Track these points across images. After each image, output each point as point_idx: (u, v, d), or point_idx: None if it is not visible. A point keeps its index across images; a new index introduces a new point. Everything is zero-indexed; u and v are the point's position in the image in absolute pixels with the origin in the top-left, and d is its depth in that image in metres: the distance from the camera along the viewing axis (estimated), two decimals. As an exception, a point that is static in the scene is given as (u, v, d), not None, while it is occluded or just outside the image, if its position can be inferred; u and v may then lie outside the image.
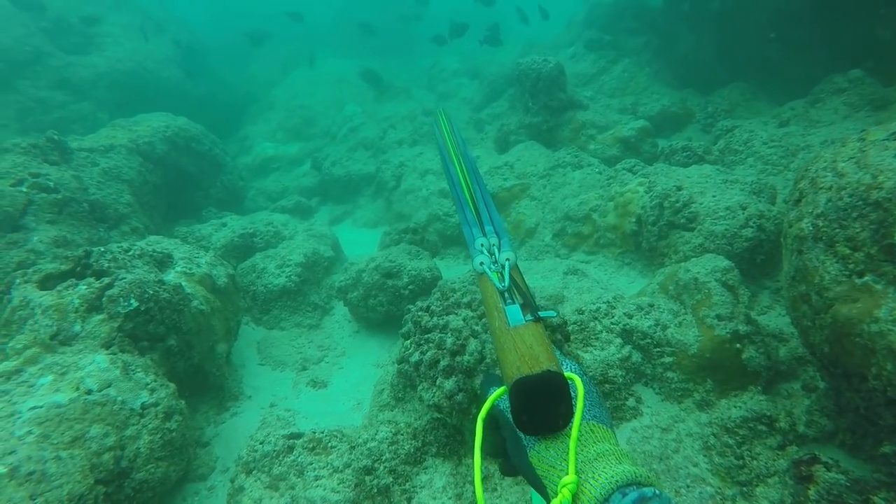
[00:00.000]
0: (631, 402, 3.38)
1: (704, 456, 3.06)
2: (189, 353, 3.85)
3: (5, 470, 2.44)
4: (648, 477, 0.82)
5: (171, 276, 4.22)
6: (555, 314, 1.41)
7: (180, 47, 12.71)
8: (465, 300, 3.25)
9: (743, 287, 3.58)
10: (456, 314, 3.14)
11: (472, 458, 1.09)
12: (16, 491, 2.39)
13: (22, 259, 4.41)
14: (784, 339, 3.58)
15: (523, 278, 1.39)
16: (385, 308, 4.83)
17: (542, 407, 0.96)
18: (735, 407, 3.17)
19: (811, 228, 2.63)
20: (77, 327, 3.45)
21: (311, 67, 12.68)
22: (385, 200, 8.44)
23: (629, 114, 8.10)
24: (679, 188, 4.71)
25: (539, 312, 1.19)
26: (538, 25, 16.04)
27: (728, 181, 4.69)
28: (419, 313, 3.27)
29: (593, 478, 0.82)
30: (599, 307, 3.74)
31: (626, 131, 6.98)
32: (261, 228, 6.25)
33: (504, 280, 1.32)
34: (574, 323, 3.67)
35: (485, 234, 1.58)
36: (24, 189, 5.10)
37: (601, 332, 3.60)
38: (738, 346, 3.26)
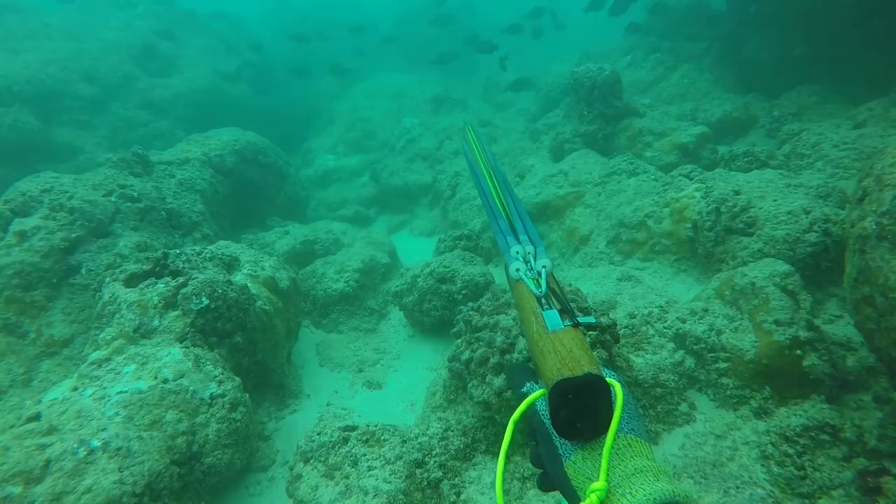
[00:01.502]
0: (684, 407, 3.33)
1: (762, 465, 2.98)
2: (253, 349, 4.11)
3: (99, 444, 2.72)
4: (688, 496, 0.80)
5: (238, 278, 4.52)
6: (594, 320, 1.39)
7: (250, 66, 13.54)
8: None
9: (804, 293, 3.46)
10: (506, 314, 3.21)
11: (506, 456, 1.09)
12: (108, 463, 2.66)
13: (110, 262, 4.84)
14: (853, 349, 3.43)
15: (560, 286, 1.39)
16: (439, 312, 4.97)
17: (582, 410, 0.96)
18: (795, 415, 3.06)
19: (875, 227, 2.54)
20: (156, 322, 3.77)
21: (342, 78, 13.05)
22: (441, 209, 8.63)
23: (688, 120, 7.93)
24: (737, 192, 4.60)
25: (578, 318, 1.19)
26: (595, 33, 15.91)
27: (791, 185, 4.54)
28: (470, 313, 3.37)
29: (630, 493, 0.81)
30: (652, 311, 3.71)
31: (684, 137, 6.86)
32: (321, 236, 6.56)
33: (541, 286, 1.32)
34: (626, 327, 3.66)
35: (520, 243, 1.57)
36: (114, 199, 5.59)
37: (653, 336, 3.57)
38: (798, 352, 3.15)
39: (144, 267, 4.26)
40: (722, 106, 8.17)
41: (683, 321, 3.58)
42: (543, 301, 1.27)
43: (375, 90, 14.07)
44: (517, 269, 1.45)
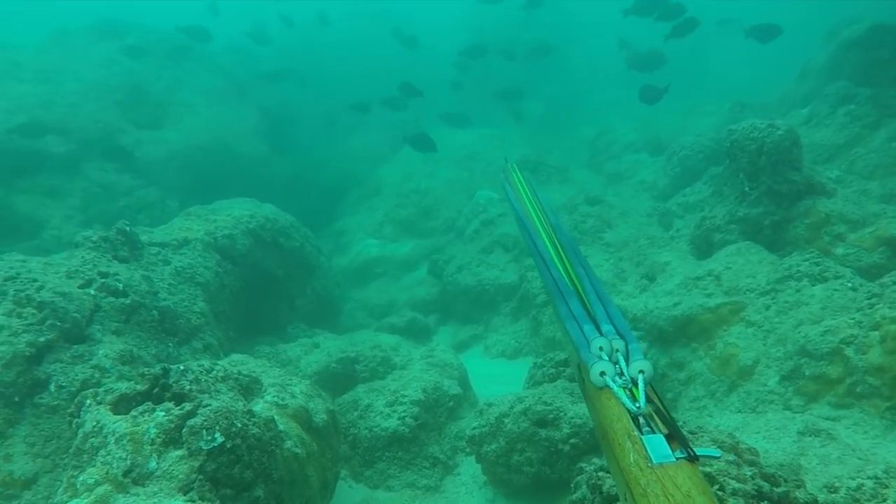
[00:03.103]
0: None
1: None
2: (279, 510, 4.35)
3: None
4: None
5: (259, 407, 4.85)
6: (718, 454, 1.42)
7: (267, 117, 14.68)
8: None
9: None
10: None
11: None
12: None
13: (86, 377, 5.30)
14: None
15: (662, 399, 1.42)
16: (535, 469, 5.08)
17: None
18: None
19: None
20: (153, 463, 4.09)
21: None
22: (531, 321, 8.90)
23: (899, 203, 8.08)
24: None
25: (695, 449, 1.21)
26: (753, 75, 16.50)
27: None
28: (600, 474, 3.50)
29: None
30: (863, 485, 3.74)
31: (894, 228, 6.97)
32: (365, 352, 6.94)
33: (638, 400, 1.37)
34: (822, 505, 3.69)
35: (602, 335, 1.62)
36: (93, 292, 6.16)
37: (866, 521, 3.59)
38: None
39: (139, 387, 4.65)
40: (950, 182, 8.30)
41: (912, 502, 3.60)
42: (643, 421, 1.32)
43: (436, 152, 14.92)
44: (601, 373, 1.48)
